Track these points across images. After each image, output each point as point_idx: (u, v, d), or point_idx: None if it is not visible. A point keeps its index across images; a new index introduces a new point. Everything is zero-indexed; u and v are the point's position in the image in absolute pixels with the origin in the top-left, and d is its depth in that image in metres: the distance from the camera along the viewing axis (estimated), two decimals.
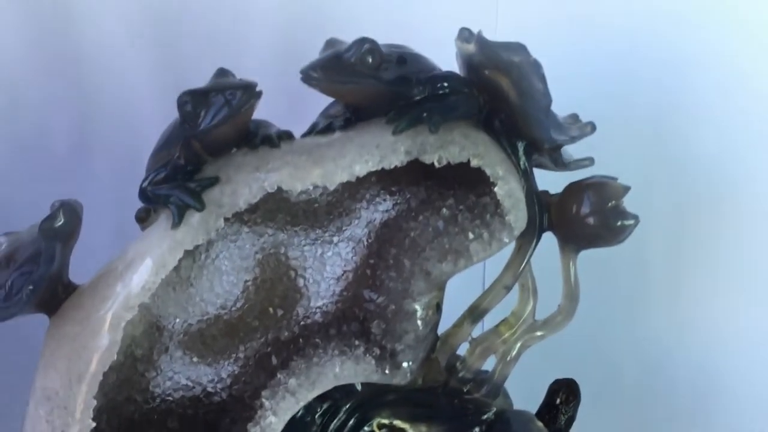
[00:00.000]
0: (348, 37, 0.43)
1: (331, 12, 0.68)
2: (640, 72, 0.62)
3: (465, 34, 0.42)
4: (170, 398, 0.44)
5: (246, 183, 0.41)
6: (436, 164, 0.42)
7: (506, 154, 0.45)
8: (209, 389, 0.45)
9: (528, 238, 0.45)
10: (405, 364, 0.44)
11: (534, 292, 0.46)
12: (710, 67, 0.60)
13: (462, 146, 0.42)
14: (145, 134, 0.64)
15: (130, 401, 0.43)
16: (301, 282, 0.46)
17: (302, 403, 0.42)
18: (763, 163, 0.59)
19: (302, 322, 0.46)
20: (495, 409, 0.46)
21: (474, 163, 0.42)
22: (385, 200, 0.47)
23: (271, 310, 0.46)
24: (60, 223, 0.41)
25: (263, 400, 0.42)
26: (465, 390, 0.46)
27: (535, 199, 0.45)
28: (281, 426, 0.42)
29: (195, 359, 0.44)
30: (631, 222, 0.44)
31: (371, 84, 0.42)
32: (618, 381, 0.66)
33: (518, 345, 0.46)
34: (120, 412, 0.42)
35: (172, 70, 0.65)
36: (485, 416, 0.46)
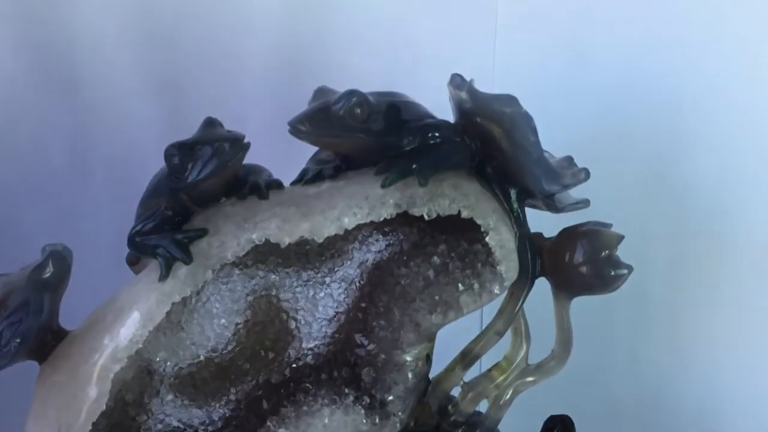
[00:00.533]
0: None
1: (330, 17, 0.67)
2: (636, 102, 0.61)
3: (457, 81, 0.42)
4: None
5: (234, 235, 0.41)
6: (426, 217, 0.41)
7: (498, 201, 0.44)
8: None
9: (520, 284, 0.45)
10: (395, 415, 0.44)
11: (527, 337, 0.46)
12: (708, 99, 0.59)
13: (452, 198, 0.42)
14: (143, 149, 0.65)
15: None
16: (293, 324, 0.46)
17: None
18: (762, 195, 0.58)
19: (293, 365, 0.46)
20: None
21: (465, 214, 0.42)
22: (377, 240, 0.46)
23: (262, 352, 0.46)
24: (48, 274, 0.42)
25: None
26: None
27: (528, 244, 0.45)
28: None
29: (186, 402, 0.45)
30: (625, 272, 0.44)
31: (360, 138, 0.41)
32: (618, 414, 0.66)
33: (511, 390, 0.46)
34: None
35: (170, 85, 0.65)
36: None
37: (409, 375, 0.44)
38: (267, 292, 0.46)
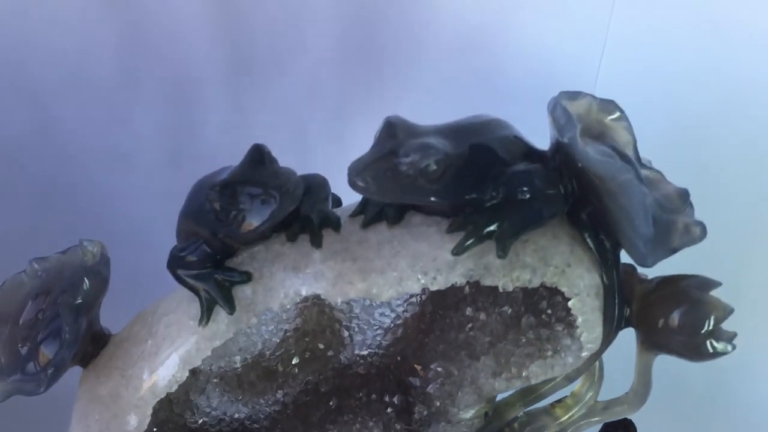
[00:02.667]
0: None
1: None
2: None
3: (558, 113, 0.34)
4: (210, 429, 0.45)
5: (281, 285, 0.38)
6: (500, 290, 0.36)
7: (589, 253, 0.38)
8: (247, 425, 0.45)
9: (603, 335, 0.40)
10: None
11: (599, 379, 0.43)
12: None
13: (533, 270, 0.37)
14: (192, 60, 0.58)
15: None
16: (345, 333, 0.43)
17: None
18: None
19: (344, 372, 0.44)
20: None
21: (549, 284, 0.36)
22: None
23: (312, 358, 0.44)
24: (81, 300, 0.39)
25: None
26: None
27: (617, 292, 0.40)
28: None
29: (232, 398, 0.44)
30: (728, 351, 0.38)
31: (433, 201, 0.35)
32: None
33: (572, 427, 0.44)
34: None
35: None
36: None
37: (464, 430, 0.42)
38: (319, 301, 0.42)
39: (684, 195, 0.39)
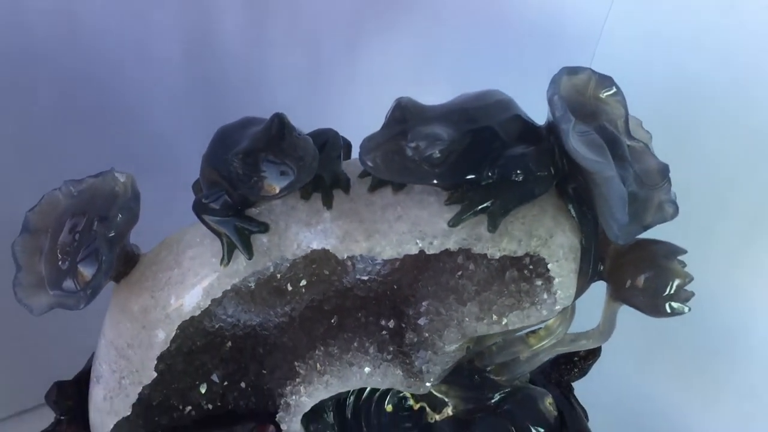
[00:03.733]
0: None
1: None
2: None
3: (555, 102, 0.38)
4: (226, 332, 0.51)
5: (295, 238, 0.43)
6: (488, 257, 0.42)
7: (572, 219, 0.43)
8: (259, 332, 0.51)
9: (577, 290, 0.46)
10: (429, 382, 0.49)
11: (571, 317, 0.49)
12: None
13: (519, 241, 0.42)
14: None
15: (188, 338, 0.50)
16: (349, 263, 0.48)
17: (331, 394, 0.49)
18: None
19: (345, 294, 0.49)
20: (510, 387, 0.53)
21: (532, 253, 0.42)
22: None
23: (317, 281, 0.49)
24: (114, 233, 0.44)
25: (299, 371, 0.49)
26: (487, 370, 0.52)
27: (593, 254, 0.45)
28: (310, 406, 0.49)
29: (245, 310, 0.50)
30: (684, 312, 0.44)
31: (435, 183, 0.39)
32: None
33: (542, 354, 0.50)
34: (180, 346, 0.50)
35: None
36: (502, 391, 0.52)
37: (447, 360, 0.48)
38: (327, 254, 0.47)
39: (664, 171, 0.43)
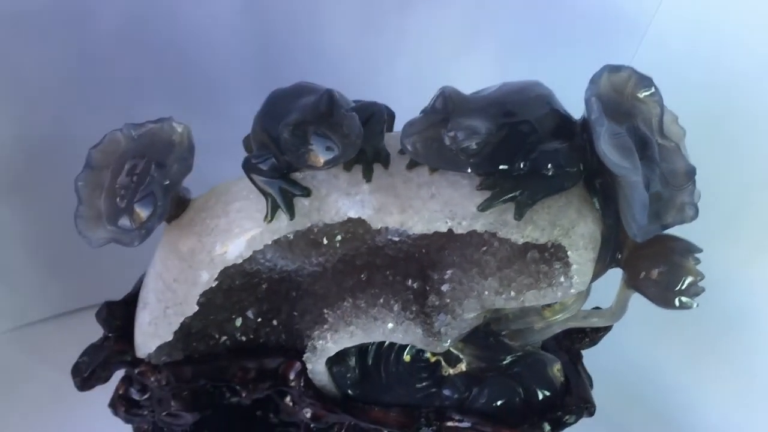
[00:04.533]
0: None
1: None
2: None
3: (592, 104, 0.41)
4: (263, 274, 0.55)
5: (334, 206, 0.47)
6: (512, 240, 0.45)
7: (595, 211, 0.46)
8: (294, 277, 0.55)
9: (594, 271, 0.49)
10: (446, 344, 0.53)
11: (586, 295, 0.52)
12: None
13: (543, 230, 0.45)
14: None
15: (228, 277, 0.54)
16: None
17: (355, 343, 0.53)
18: None
19: (377, 252, 0.53)
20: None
21: (554, 241, 0.45)
22: None
23: (351, 238, 0.53)
24: (169, 182, 0.48)
25: (328, 318, 0.53)
26: (502, 334, 0.56)
27: (613, 243, 0.48)
28: (335, 351, 0.54)
29: (282, 256, 0.54)
30: (691, 307, 0.47)
31: (468, 171, 0.42)
32: None
33: (556, 326, 0.54)
34: (220, 283, 0.54)
35: None
36: (514, 354, 0.56)
37: (465, 326, 0.52)
38: (362, 222, 0.50)
39: (690, 173, 0.46)
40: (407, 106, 0.71)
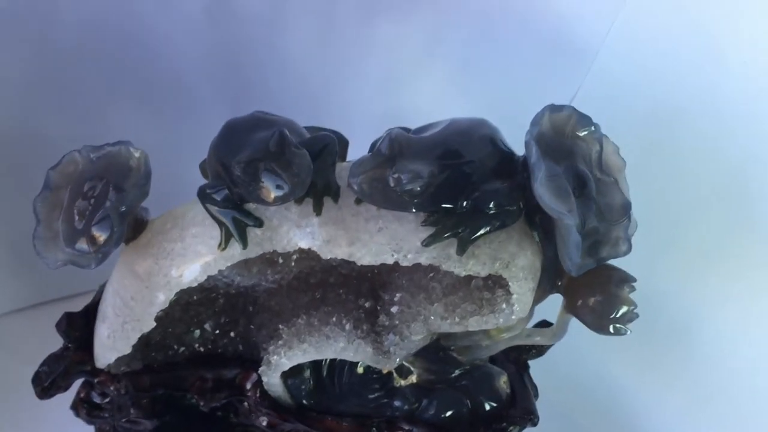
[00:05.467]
0: None
1: None
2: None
3: (529, 145, 0.43)
4: (220, 289, 0.58)
5: (285, 236, 0.49)
6: (455, 274, 0.47)
7: (535, 244, 0.49)
8: (250, 292, 0.58)
9: (536, 296, 0.52)
10: (396, 362, 0.55)
11: (529, 317, 0.55)
12: None
13: (484, 264, 0.47)
14: None
15: (186, 292, 0.55)
16: None
17: (308, 360, 0.56)
18: None
19: (331, 271, 0.56)
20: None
21: (495, 273, 0.47)
22: None
23: (306, 257, 0.55)
24: (125, 208, 0.50)
25: (282, 334, 0.56)
26: (451, 348, 0.58)
27: (552, 272, 0.51)
28: (288, 367, 0.56)
29: (239, 274, 0.56)
30: (623, 333, 0.50)
31: (412, 211, 0.45)
32: None
33: (501, 344, 0.57)
34: (178, 299, 0.56)
35: None
36: (463, 367, 0.59)
37: (412, 347, 0.54)
38: (312, 252, 0.52)
39: (626, 208, 0.48)
40: (367, 115, 0.73)
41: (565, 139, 0.48)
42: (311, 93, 0.73)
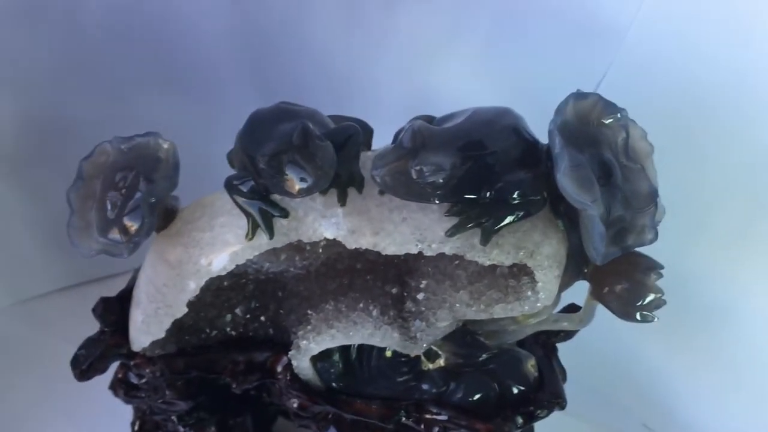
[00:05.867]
0: None
1: None
2: None
3: (554, 138, 0.43)
4: (250, 275, 0.59)
5: (311, 226, 0.50)
6: (479, 264, 0.48)
7: (560, 232, 0.49)
8: (279, 278, 0.59)
9: (563, 282, 0.52)
10: (423, 347, 0.56)
11: (556, 303, 0.55)
12: None
13: (508, 253, 0.48)
14: None
15: (217, 278, 0.57)
16: None
17: (336, 345, 0.57)
18: None
19: (358, 257, 0.56)
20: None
21: (519, 262, 0.48)
22: None
23: (334, 243, 0.55)
24: (154, 200, 0.51)
25: (311, 319, 0.57)
26: (479, 333, 0.59)
27: (578, 259, 0.51)
28: (317, 351, 0.57)
29: (269, 260, 0.57)
30: (650, 322, 0.50)
31: (435, 203, 0.45)
32: None
33: (528, 329, 0.57)
34: (209, 285, 0.57)
35: None
36: (490, 351, 0.59)
37: (438, 333, 0.55)
38: (337, 242, 0.53)
39: (652, 195, 0.48)
40: (392, 98, 0.74)
41: (590, 127, 0.47)
42: (336, 76, 0.73)
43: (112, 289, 0.63)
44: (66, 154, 0.57)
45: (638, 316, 0.50)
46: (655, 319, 0.50)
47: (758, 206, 0.63)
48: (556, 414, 0.60)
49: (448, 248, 0.48)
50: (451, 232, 0.47)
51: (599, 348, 0.61)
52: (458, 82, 0.67)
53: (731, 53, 0.60)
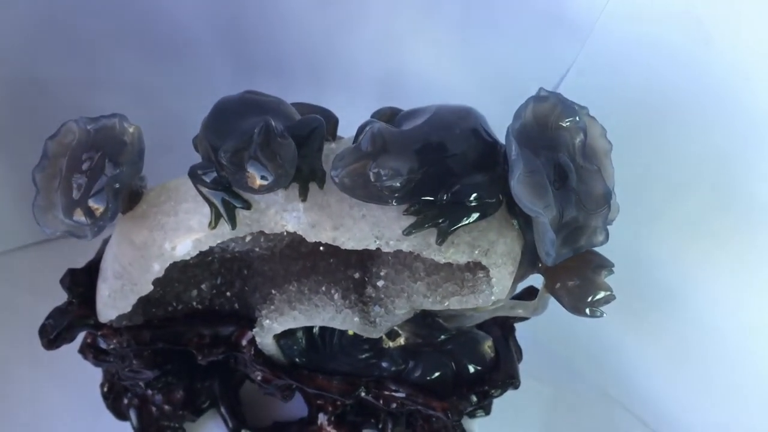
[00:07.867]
0: None
1: None
2: None
3: (511, 144, 0.45)
4: (216, 254, 0.60)
5: (273, 219, 0.51)
6: (436, 260, 0.49)
7: (515, 230, 0.50)
8: (244, 257, 0.60)
9: (518, 274, 0.54)
10: (382, 332, 0.58)
11: (513, 290, 0.57)
12: None
13: (463, 252, 0.49)
14: None
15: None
16: None
17: (298, 326, 0.59)
18: None
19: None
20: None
21: (473, 260, 0.49)
22: None
23: None
24: (119, 185, 0.52)
25: (274, 299, 0.59)
26: (438, 315, 0.61)
27: (532, 255, 0.52)
28: (280, 331, 0.59)
29: (233, 241, 0.58)
30: (597, 316, 0.52)
31: (392, 204, 0.46)
32: None
33: (485, 314, 0.59)
34: (175, 264, 0.58)
35: None
36: (449, 333, 0.62)
37: (397, 319, 0.57)
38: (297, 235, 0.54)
39: (606, 197, 0.49)
40: (366, 70, 0.74)
41: (549, 130, 0.48)
42: (312, 47, 0.73)
43: (79, 247, 0.64)
44: (38, 115, 0.56)
45: (587, 311, 0.52)
46: (604, 315, 0.52)
47: (711, 199, 0.66)
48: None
49: (406, 246, 0.49)
50: (408, 231, 0.48)
51: (562, 322, 0.63)
52: (432, 55, 0.67)
53: (693, 50, 0.61)
